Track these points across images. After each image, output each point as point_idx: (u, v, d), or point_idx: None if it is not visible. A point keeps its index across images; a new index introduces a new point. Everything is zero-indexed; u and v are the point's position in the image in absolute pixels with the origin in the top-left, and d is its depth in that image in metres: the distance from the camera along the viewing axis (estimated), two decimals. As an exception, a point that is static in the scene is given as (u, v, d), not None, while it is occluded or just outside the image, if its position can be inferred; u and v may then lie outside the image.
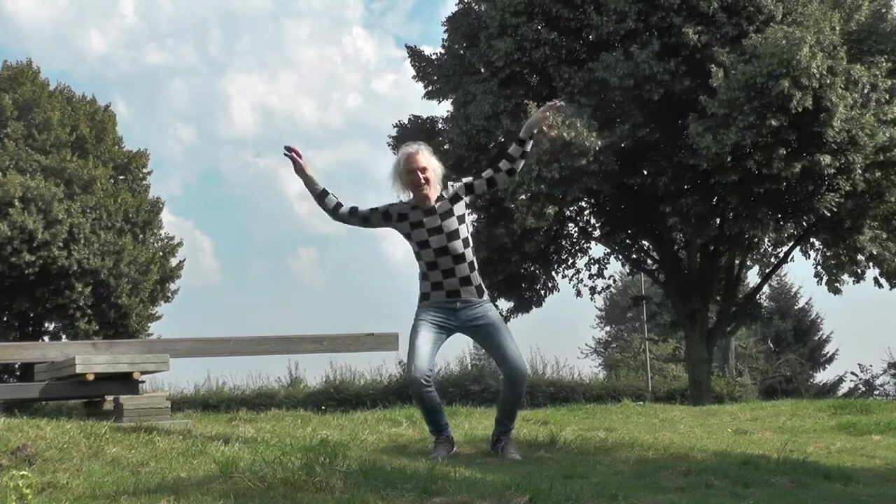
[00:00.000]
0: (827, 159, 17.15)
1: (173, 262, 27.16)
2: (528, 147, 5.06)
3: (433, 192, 4.95)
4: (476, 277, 4.97)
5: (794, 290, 37.42)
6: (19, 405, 9.07)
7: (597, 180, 18.12)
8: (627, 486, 4.00)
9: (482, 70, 20.23)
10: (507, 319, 21.66)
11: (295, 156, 5.08)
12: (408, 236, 4.98)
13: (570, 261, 22.83)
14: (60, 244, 22.95)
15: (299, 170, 5.10)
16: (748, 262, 23.20)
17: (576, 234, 22.62)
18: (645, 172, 19.45)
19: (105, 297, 24.23)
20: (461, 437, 5.63)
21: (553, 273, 22.66)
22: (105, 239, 24.01)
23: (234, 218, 67.66)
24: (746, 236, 19.87)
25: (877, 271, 20.23)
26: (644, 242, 22.76)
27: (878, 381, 32.03)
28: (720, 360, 29.56)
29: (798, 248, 21.68)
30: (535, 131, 5.09)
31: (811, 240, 21.25)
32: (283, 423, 6.51)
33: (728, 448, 5.77)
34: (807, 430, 7.30)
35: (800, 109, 16.56)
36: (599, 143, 17.22)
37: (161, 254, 26.63)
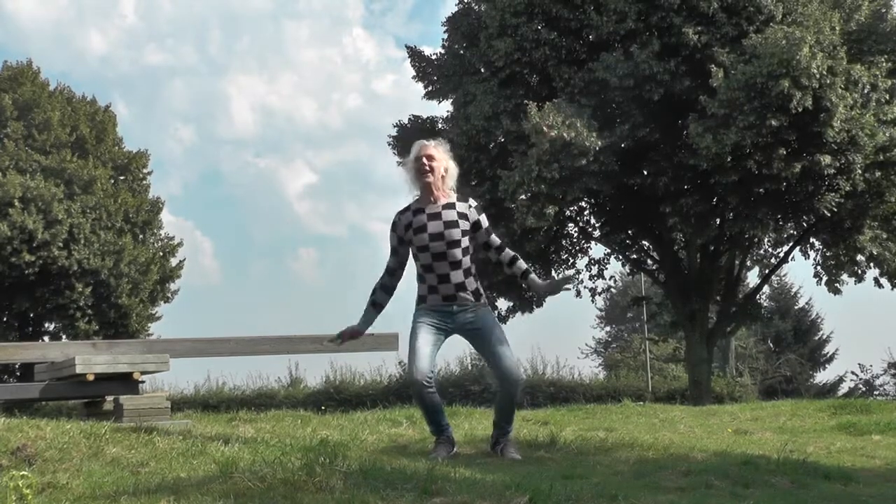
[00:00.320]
0: (827, 159, 17.14)
1: (173, 262, 27.18)
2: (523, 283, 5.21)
3: (440, 187, 4.94)
4: (472, 283, 4.96)
5: (794, 290, 37.47)
6: (19, 405, 9.08)
7: (597, 180, 18.12)
8: (627, 486, 4.00)
9: (482, 70, 20.22)
10: (506, 319, 21.67)
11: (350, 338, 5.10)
12: (410, 242, 4.97)
13: (571, 261, 22.84)
14: (60, 244, 22.96)
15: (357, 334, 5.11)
16: (748, 263, 23.21)
17: (576, 235, 22.62)
18: (645, 172, 19.44)
19: (105, 297, 24.24)
20: (461, 437, 5.63)
21: (553, 273, 22.65)
22: (105, 239, 24.02)
23: (234, 218, 67.77)
24: (746, 236, 19.87)
25: (877, 271, 20.23)
26: (644, 242, 22.75)
27: (878, 381, 32.08)
28: (720, 361, 29.56)
29: (798, 248, 21.68)
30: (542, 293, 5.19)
31: (811, 240, 21.25)
32: (283, 423, 6.51)
33: (728, 448, 5.77)
34: (807, 430, 7.30)
35: (800, 109, 16.56)
36: (599, 143, 17.21)
37: (161, 254, 26.65)
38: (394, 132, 22.12)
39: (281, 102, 73.10)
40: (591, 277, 23.06)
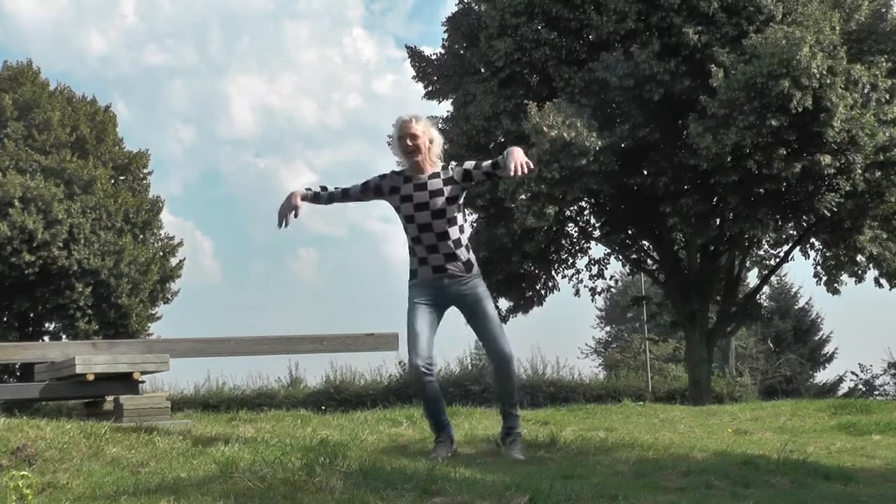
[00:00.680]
0: (827, 159, 17.15)
1: (173, 262, 27.18)
2: (499, 173, 4.97)
3: (427, 161, 4.95)
4: (463, 254, 4.91)
5: (794, 290, 37.47)
6: (19, 405, 9.08)
7: (597, 180, 18.12)
8: (627, 486, 4.00)
9: (482, 70, 20.23)
10: (506, 319, 21.68)
11: (293, 216, 4.97)
12: (397, 209, 4.98)
13: (570, 261, 22.85)
14: (60, 244, 22.96)
15: (298, 209, 4.97)
16: (748, 263, 23.22)
17: (576, 234, 22.62)
18: (645, 172, 19.44)
19: (105, 298, 24.24)
20: (461, 437, 5.62)
21: (553, 273, 22.67)
22: (105, 239, 24.02)
23: (234, 218, 67.79)
24: (746, 236, 19.87)
25: (877, 272, 20.23)
26: (644, 242, 22.76)
27: (878, 382, 32.08)
28: (720, 361, 29.56)
29: (798, 248, 21.68)
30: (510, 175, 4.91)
31: (811, 240, 21.25)
32: (283, 423, 6.50)
33: (728, 448, 5.77)
34: (807, 430, 7.30)
35: (800, 109, 16.56)
36: (599, 143, 17.22)
37: (161, 254, 26.64)
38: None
39: (281, 102, 73.16)
40: (591, 277, 23.08)
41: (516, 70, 19.43)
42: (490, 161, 5.02)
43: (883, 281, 20.25)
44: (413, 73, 22.01)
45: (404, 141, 4.94)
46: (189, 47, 71.89)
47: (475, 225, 20.64)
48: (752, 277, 25.82)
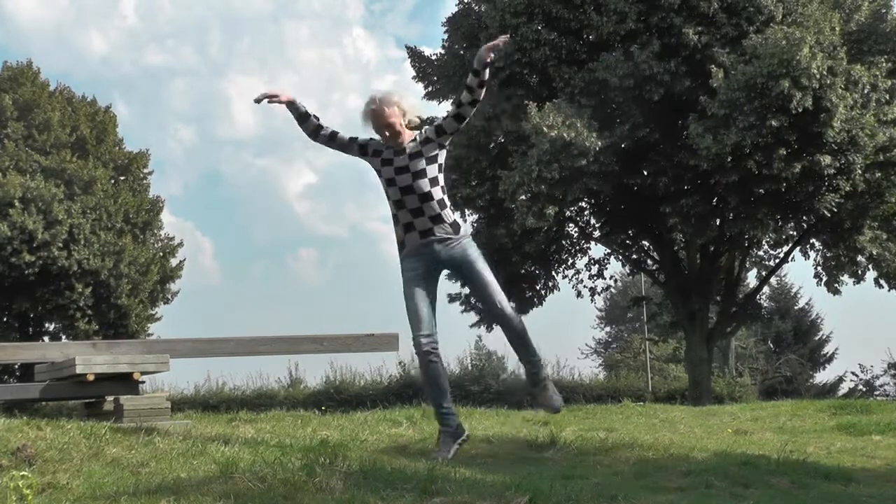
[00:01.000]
0: (827, 160, 17.15)
1: (173, 262, 27.16)
2: (485, 76, 4.99)
3: (403, 133, 4.91)
4: (449, 215, 4.87)
5: (794, 290, 37.46)
6: (19, 405, 9.06)
7: (597, 180, 18.12)
8: (627, 486, 4.00)
9: (482, 70, 20.20)
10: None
11: (269, 99, 5.03)
12: (378, 172, 4.96)
13: (570, 261, 22.85)
14: (60, 245, 22.95)
15: (278, 101, 5.04)
16: (748, 263, 23.22)
17: (576, 235, 22.63)
18: (645, 173, 19.45)
19: (105, 298, 24.23)
20: (461, 437, 5.60)
21: (553, 273, 22.67)
22: (105, 239, 24.01)
23: (234, 218, 67.73)
24: (746, 237, 19.87)
25: (876, 272, 20.23)
26: (644, 243, 22.76)
27: (878, 382, 32.06)
28: (720, 361, 29.55)
29: (798, 248, 21.68)
30: (489, 60, 4.99)
31: (811, 240, 21.25)
32: (283, 423, 6.50)
33: (728, 448, 5.76)
34: (807, 431, 7.29)
35: (800, 110, 16.56)
36: (599, 143, 17.22)
37: (161, 254, 26.63)
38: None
39: (281, 103, 72.93)
40: (591, 277, 23.08)
41: (516, 70, 19.42)
42: (456, 100, 5.04)
43: (882, 281, 20.26)
44: (413, 73, 22.04)
45: (383, 132, 4.91)
46: (189, 48, 71.96)
47: (475, 225, 20.64)
48: (752, 278, 25.85)
